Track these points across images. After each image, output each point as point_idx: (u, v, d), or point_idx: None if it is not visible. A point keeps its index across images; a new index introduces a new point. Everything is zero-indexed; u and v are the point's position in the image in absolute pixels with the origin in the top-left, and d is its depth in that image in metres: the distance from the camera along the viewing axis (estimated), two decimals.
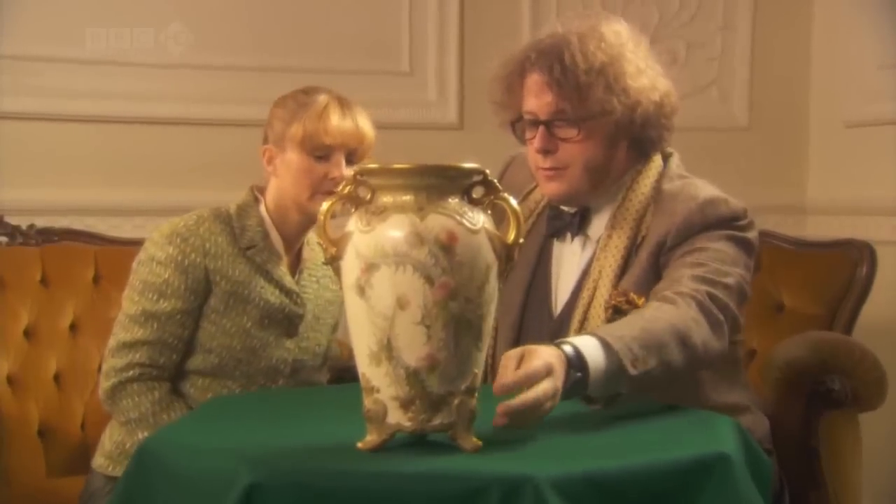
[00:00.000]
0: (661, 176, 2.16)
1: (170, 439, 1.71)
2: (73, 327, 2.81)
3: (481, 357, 1.61)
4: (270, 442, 1.65)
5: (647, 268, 2.08)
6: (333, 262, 1.61)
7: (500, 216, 1.68)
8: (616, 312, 2.00)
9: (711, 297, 1.97)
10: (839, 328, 2.69)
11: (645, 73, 2.11)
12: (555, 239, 2.22)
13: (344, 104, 2.29)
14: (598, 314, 2.07)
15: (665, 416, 1.87)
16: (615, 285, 2.08)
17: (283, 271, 2.31)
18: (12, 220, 2.92)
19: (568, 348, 1.74)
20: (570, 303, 2.16)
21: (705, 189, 2.13)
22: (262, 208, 2.32)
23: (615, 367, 1.78)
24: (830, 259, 2.72)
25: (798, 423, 2.41)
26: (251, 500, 1.46)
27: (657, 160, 2.19)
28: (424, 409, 1.57)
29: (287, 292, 2.30)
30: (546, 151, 2.11)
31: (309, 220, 2.32)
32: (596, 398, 1.83)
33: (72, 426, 2.71)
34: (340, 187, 1.62)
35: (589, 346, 1.77)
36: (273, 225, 2.31)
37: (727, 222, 2.08)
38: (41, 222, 2.95)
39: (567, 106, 2.07)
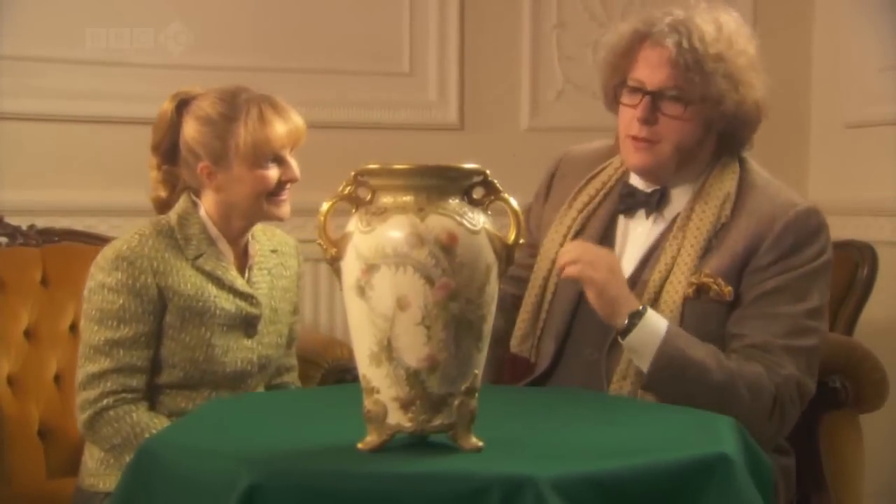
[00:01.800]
0: (747, 171, 2.23)
1: (170, 440, 1.70)
2: (73, 328, 2.81)
3: (482, 358, 1.61)
4: (271, 443, 1.65)
5: (739, 261, 2.15)
6: (334, 262, 1.61)
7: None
8: (699, 291, 2.13)
9: (799, 387, 2.12)
10: (840, 329, 2.68)
11: (756, 72, 2.17)
12: (621, 216, 2.27)
13: (274, 105, 2.24)
14: (676, 289, 2.14)
15: (666, 416, 1.88)
16: (697, 265, 2.14)
17: (234, 275, 2.28)
18: (12, 221, 2.92)
19: (642, 308, 2.07)
20: (633, 276, 2.21)
21: (796, 195, 2.22)
22: (203, 212, 2.28)
23: (654, 356, 2.05)
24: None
25: (799, 424, 2.41)
26: (252, 500, 1.46)
27: (735, 160, 2.25)
28: (425, 409, 1.57)
29: (242, 295, 2.28)
30: (646, 121, 2.16)
31: (253, 220, 2.30)
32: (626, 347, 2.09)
33: (72, 427, 2.69)
34: (341, 188, 1.61)
35: (652, 323, 2.07)
36: (217, 228, 2.28)
37: (816, 234, 2.17)
38: (41, 223, 2.95)
39: (684, 84, 2.13)
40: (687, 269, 2.15)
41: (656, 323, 2.07)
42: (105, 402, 2.19)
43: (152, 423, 2.17)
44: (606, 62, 2.25)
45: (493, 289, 1.59)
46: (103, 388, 2.20)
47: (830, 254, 2.20)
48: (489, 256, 1.58)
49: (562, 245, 2.27)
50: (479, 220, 1.59)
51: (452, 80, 3.51)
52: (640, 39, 2.19)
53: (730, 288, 2.13)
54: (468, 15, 3.52)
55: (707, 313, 2.14)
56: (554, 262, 2.26)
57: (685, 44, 2.11)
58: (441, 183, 1.58)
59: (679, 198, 2.23)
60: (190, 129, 2.25)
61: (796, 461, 2.31)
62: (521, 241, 1.63)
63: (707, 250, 2.16)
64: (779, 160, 3.67)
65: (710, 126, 2.18)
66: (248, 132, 2.20)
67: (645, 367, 2.07)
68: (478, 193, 1.62)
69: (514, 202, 1.62)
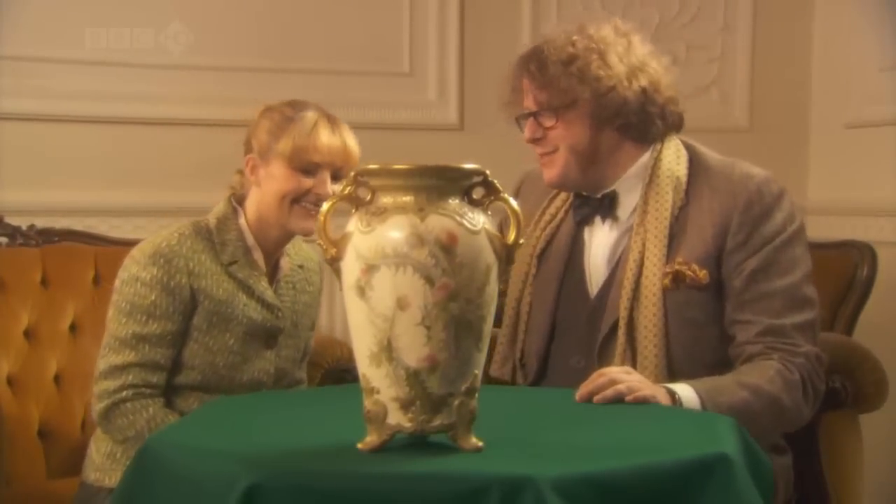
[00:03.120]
0: (697, 154, 2.28)
1: (170, 440, 1.70)
2: (73, 328, 2.81)
3: (481, 358, 1.61)
4: (270, 443, 1.65)
5: (710, 244, 2.18)
6: (333, 263, 1.61)
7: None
8: (675, 280, 2.17)
9: (818, 359, 2.18)
10: (840, 329, 2.68)
11: (623, 63, 2.22)
12: (584, 227, 2.31)
13: (333, 122, 2.28)
14: (653, 282, 2.18)
15: (665, 416, 1.88)
16: (667, 255, 2.18)
17: (264, 286, 2.29)
18: (12, 221, 2.92)
19: (676, 396, 1.99)
20: (607, 282, 2.25)
21: (751, 167, 2.24)
22: (242, 220, 2.30)
23: None
24: (831, 260, 2.72)
25: None
26: (251, 501, 1.46)
27: (675, 142, 2.29)
28: (425, 409, 1.57)
29: (269, 307, 2.29)
30: (534, 139, 2.26)
31: (288, 235, 2.31)
32: None
33: (72, 427, 2.71)
34: (341, 188, 1.61)
35: (690, 402, 2.01)
36: (254, 237, 2.29)
37: (781, 197, 2.19)
38: (41, 223, 2.95)
39: (543, 97, 2.24)
40: (658, 260, 2.19)
41: (689, 396, 2.04)
42: (124, 394, 2.20)
43: (167, 420, 2.18)
44: (505, 102, 2.35)
45: (492, 289, 1.59)
46: (124, 380, 2.20)
47: (800, 219, 2.23)
48: (489, 257, 1.58)
49: (529, 265, 2.33)
50: (478, 220, 1.58)
51: (452, 81, 3.51)
52: (518, 73, 2.31)
53: (705, 271, 2.17)
54: (468, 15, 3.52)
55: (688, 301, 2.18)
56: (525, 283, 2.33)
57: (533, 64, 2.24)
58: (441, 183, 1.58)
59: (628, 196, 2.27)
60: (255, 126, 2.31)
61: (796, 461, 2.32)
62: (521, 241, 1.63)
63: (672, 237, 2.20)
64: (779, 160, 3.67)
65: (594, 122, 2.23)
66: (295, 134, 2.23)
67: None
68: (478, 193, 1.62)
69: (513, 202, 1.62)
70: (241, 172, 2.35)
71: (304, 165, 2.24)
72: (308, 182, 2.24)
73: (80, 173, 3.20)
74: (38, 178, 3.14)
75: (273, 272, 2.34)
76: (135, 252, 2.25)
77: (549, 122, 2.24)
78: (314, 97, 3.32)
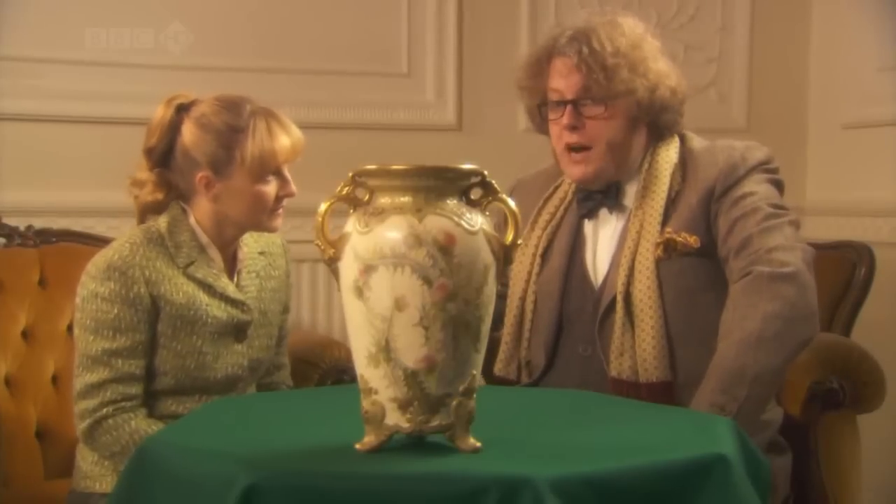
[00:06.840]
0: (685, 142, 2.33)
1: (168, 441, 1.70)
2: (70, 329, 2.80)
3: (479, 358, 1.61)
4: (268, 443, 1.66)
5: (696, 210, 2.23)
6: (332, 263, 1.61)
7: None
8: (667, 249, 2.20)
9: (783, 250, 2.13)
10: (838, 329, 2.69)
11: (661, 60, 2.28)
12: (586, 220, 2.34)
13: (277, 118, 2.23)
14: (646, 257, 2.20)
15: (664, 417, 1.88)
16: (661, 230, 2.21)
17: (225, 282, 2.27)
18: (10, 222, 2.92)
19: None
20: (610, 267, 2.27)
21: (738, 141, 2.30)
22: (192, 220, 2.26)
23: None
24: (829, 260, 2.72)
25: (797, 425, 2.41)
26: (249, 501, 1.46)
27: (675, 137, 2.34)
28: (422, 410, 1.57)
29: (233, 303, 2.27)
30: (573, 128, 2.25)
31: (246, 230, 2.30)
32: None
33: (70, 428, 2.68)
34: (339, 188, 1.61)
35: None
36: (207, 235, 2.26)
37: (765, 164, 2.27)
38: (39, 223, 2.94)
39: (594, 85, 2.23)
40: (652, 237, 2.22)
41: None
42: (104, 411, 2.18)
43: (150, 431, 2.15)
44: (522, 87, 2.36)
45: (490, 289, 1.60)
46: (102, 397, 2.18)
47: (782, 181, 2.30)
48: (487, 257, 1.58)
49: (532, 264, 2.34)
50: (476, 220, 1.59)
51: (450, 81, 3.52)
52: (547, 57, 2.30)
53: (695, 237, 2.20)
54: (466, 16, 3.53)
55: (682, 269, 2.21)
56: (528, 282, 2.34)
57: (585, 49, 2.23)
58: (439, 184, 1.58)
59: (632, 185, 2.31)
60: (191, 136, 2.22)
61: (794, 462, 2.32)
62: (519, 241, 1.63)
63: (666, 217, 2.23)
64: (777, 161, 3.67)
65: (634, 119, 2.27)
66: (256, 144, 2.18)
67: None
68: (475, 194, 1.62)
69: (511, 203, 1.62)
70: (142, 183, 2.28)
71: (270, 172, 2.21)
72: (273, 188, 2.22)
73: (79, 174, 3.19)
74: (36, 179, 3.14)
75: (231, 265, 2.32)
76: (89, 267, 2.22)
77: (594, 111, 2.24)
78: (313, 97, 3.35)
